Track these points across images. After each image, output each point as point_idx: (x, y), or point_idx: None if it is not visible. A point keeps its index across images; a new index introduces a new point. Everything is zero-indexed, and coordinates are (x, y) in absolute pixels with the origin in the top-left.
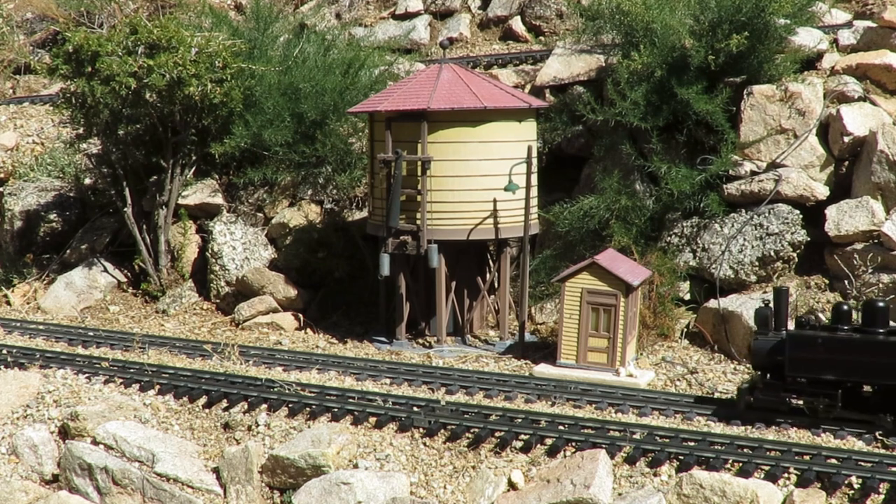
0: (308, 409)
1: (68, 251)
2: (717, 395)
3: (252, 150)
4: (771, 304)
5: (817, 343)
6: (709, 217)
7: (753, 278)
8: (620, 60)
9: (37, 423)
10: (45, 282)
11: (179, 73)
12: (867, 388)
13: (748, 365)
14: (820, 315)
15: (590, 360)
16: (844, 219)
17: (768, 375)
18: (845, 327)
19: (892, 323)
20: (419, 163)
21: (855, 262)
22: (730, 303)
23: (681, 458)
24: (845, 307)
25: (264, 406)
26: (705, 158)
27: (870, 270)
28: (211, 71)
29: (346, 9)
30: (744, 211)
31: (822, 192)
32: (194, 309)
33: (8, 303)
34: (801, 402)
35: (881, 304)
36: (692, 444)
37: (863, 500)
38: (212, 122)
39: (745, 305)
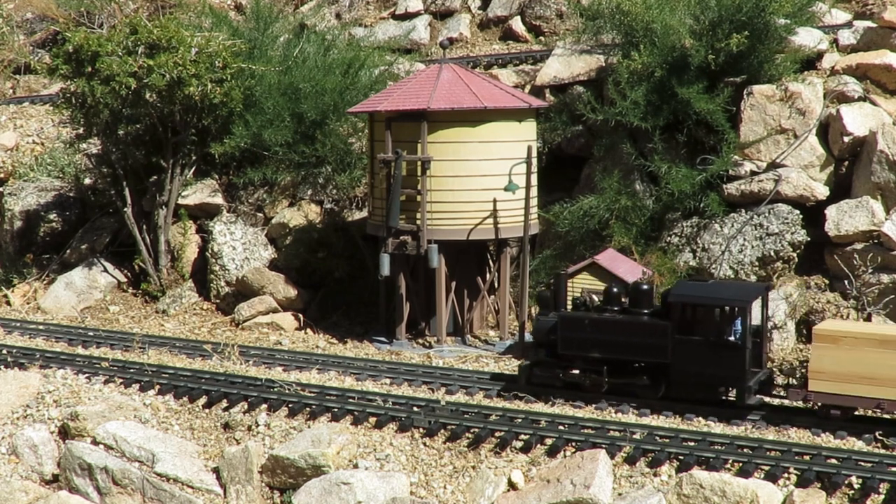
0: (308, 409)
1: (68, 251)
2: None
3: (252, 150)
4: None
5: (585, 324)
6: (709, 217)
7: (753, 278)
8: (620, 60)
9: (37, 423)
10: (45, 282)
11: (179, 73)
12: (635, 364)
13: None
14: (594, 297)
15: None
16: (844, 219)
17: (547, 353)
18: (615, 308)
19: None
20: (419, 163)
21: (855, 262)
22: None
23: (681, 458)
24: (614, 289)
25: (264, 406)
26: (705, 158)
27: (870, 270)
28: (211, 71)
29: (346, 9)
30: (744, 211)
31: (822, 192)
32: (194, 309)
33: (8, 303)
34: (574, 378)
35: (645, 286)
36: (692, 443)
37: (863, 500)
38: (212, 122)
39: None
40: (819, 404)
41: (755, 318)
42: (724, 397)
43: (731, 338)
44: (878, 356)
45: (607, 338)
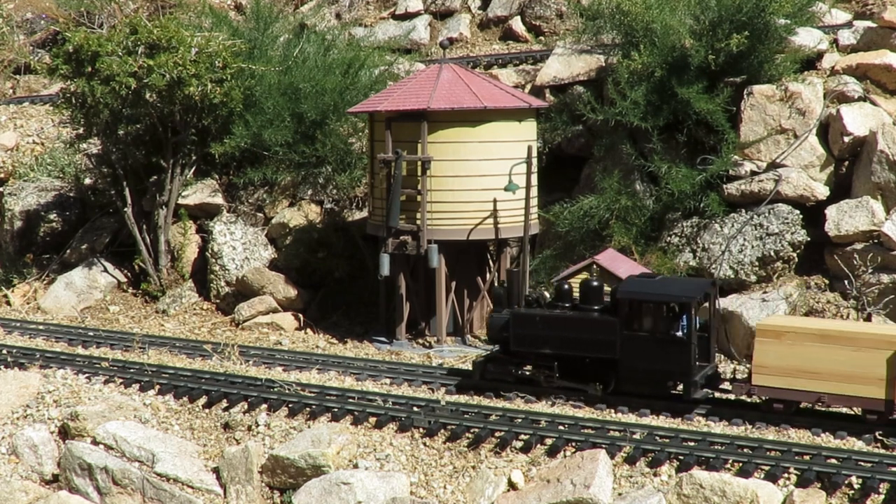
0: (308, 409)
1: (68, 251)
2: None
3: (252, 150)
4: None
5: (536, 320)
6: (709, 217)
7: (753, 278)
8: (620, 60)
9: (37, 423)
10: (45, 282)
11: (179, 73)
12: (585, 359)
13: (748, 364)
14: (546, 294)
15: None
16: (844, 219)
17: (501, 349)
18: (566, 305)
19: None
20: (419, 163)
21: (855, 262)
22: (730, 303)
23: (681, 458)
24: (565, 286)
25: (264, 406)
26: (705, 158)
27: (870, 270)
28: (211, 71)
29: (346, 9)
30: (744, 211)
31: (822, 192)
32: (194, 309)
33: (8, 303)
34: (527, 373)
35: (595, 283)
36: (692, 444)
37: (863, 500)
38: (212, 122)
39: (745, 306)
40: (763, 398)
41: (702, 313)
42: (672, 392)
43: (678, 333)
44: (819, 351)
45: (558, 334)
